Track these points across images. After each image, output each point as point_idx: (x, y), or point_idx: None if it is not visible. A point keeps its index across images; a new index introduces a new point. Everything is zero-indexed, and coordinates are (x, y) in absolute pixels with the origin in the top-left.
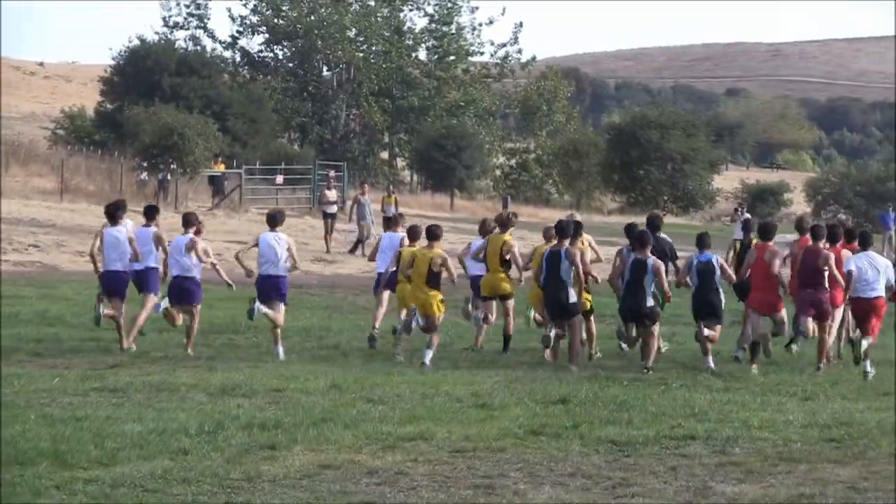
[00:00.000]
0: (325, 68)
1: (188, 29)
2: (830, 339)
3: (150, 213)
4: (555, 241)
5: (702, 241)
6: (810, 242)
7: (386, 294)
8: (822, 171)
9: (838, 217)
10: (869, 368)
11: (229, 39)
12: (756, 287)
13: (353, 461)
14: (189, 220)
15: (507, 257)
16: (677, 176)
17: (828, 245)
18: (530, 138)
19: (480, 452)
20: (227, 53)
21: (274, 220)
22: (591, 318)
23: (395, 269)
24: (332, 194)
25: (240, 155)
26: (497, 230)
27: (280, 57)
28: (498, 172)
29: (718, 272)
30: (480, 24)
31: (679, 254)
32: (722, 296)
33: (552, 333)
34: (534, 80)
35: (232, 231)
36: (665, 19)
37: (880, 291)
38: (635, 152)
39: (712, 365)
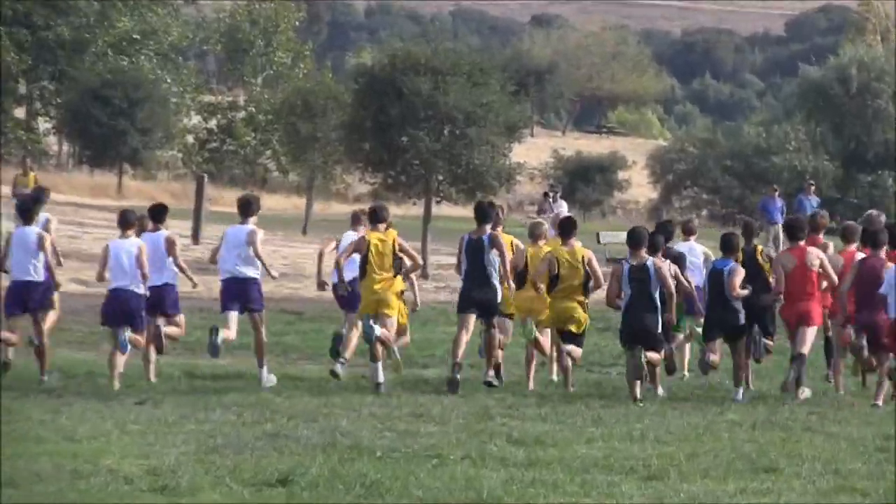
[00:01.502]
0: None
1: None
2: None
3: (159, 215)
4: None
5: (728, 244)
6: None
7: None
8: (674, 137)
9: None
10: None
11: None
12: (791, 297)
13: None
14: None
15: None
16: (458, 145)
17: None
18: (239, 88)
19: None
20: None
21: (248, 208)
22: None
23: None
24: None
25: None
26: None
27: None
28: (190, 139)
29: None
30: None
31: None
32: (740, 309)
33: (458, 375)
34: (244, 1)
35: None
36: None
37: None
38: (395, 110)
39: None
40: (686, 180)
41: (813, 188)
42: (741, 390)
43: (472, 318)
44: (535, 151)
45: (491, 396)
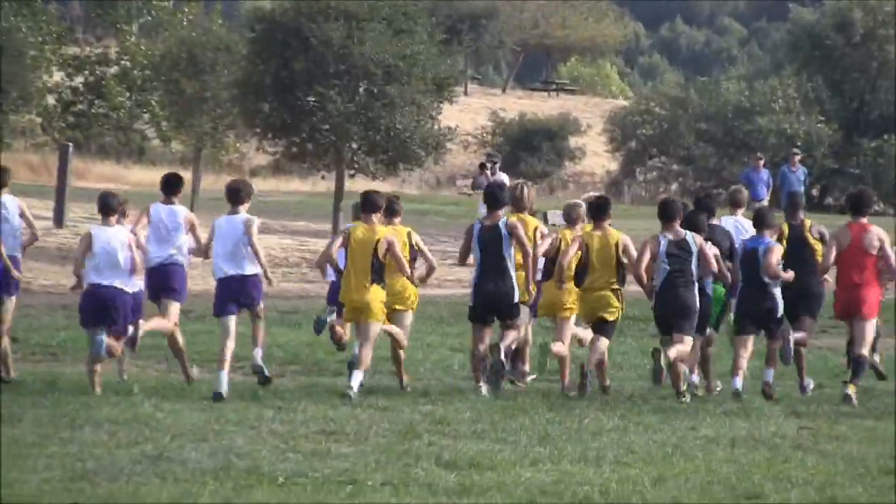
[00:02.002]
0: None
1: None
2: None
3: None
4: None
5: (760, 220)
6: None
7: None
8: (637, 96)
9: None
10: None
11: None
12: (842, 283)
13: None
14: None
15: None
16: (376, 106)
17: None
18: (110, 38)
19: None
20: None
21: (171, 186)
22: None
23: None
24: None
25: None
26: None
27: None
28: (51, 100)
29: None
30: None
31: None
32: (777, 296)
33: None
34: None
35: None
36: None
37: None
38: (300, 64)
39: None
40: (652, 148)
41: (798, 157)
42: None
43: (490, 330)
44: (469, 113)
45: (417, 410)
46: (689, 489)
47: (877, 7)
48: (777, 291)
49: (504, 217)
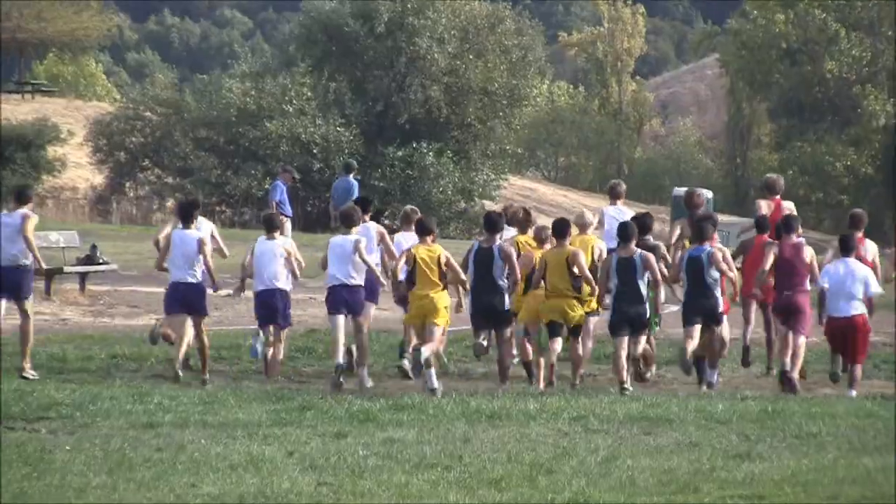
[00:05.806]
0: None
1: None
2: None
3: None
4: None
5: (700, 232)
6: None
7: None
8: (126, 98)
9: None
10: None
11: None
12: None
13: None
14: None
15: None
16: None
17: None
18: None
19: None
20: None
21: (349, 220)
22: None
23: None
24: None
25: None
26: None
27: None
28: None
29: (708, 267)
30: None
31: None
32: (718, 296)
33: (484, 341)
34: None
35: None
36: None
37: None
38: None
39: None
40: (144, 159)
41: (353, 173)
42: (716, 372)
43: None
44: None
45: None
46: None
47: None
48: (717, 291)
49: (499, 242)
